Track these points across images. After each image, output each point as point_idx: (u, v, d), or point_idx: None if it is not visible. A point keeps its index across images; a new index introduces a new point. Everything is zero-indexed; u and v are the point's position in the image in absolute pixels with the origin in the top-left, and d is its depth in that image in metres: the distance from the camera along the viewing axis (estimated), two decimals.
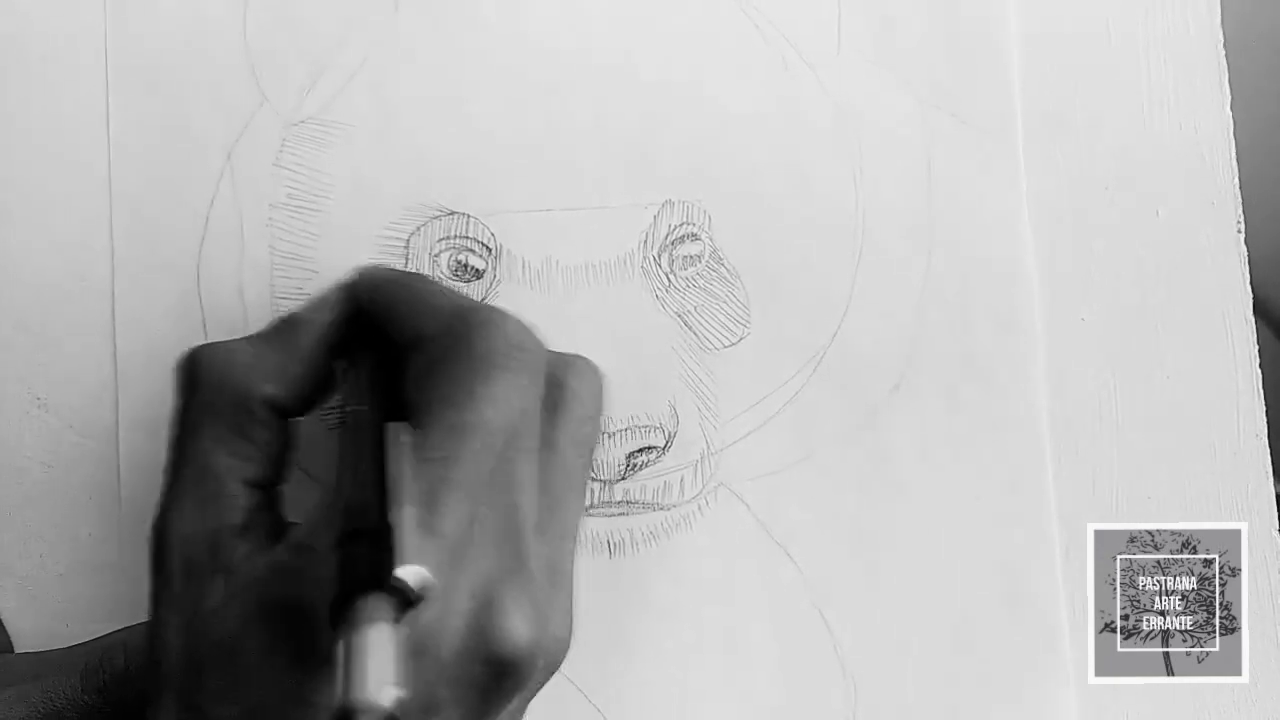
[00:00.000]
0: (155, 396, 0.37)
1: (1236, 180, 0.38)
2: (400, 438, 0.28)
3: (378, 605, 0.25)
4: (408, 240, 0.37)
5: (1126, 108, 0.39)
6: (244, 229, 0.37)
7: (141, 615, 0.35)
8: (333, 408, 0.34)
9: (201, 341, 0.37)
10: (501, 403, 0.29)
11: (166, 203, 0.37)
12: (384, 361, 0.32)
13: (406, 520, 0.26)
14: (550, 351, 0.31)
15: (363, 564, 0.25)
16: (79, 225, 0.37)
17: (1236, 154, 0.39)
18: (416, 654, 0.26)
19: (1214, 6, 0.39)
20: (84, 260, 0.37)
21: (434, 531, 0.27)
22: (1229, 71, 0.39)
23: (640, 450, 0.37)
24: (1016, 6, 0.39)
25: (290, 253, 0.37)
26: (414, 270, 0.37)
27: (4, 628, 0.37)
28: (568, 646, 0.30)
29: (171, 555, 0.30)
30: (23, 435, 0.37)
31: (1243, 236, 0.38)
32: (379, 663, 0.24)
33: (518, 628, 0.28)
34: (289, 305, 0.37)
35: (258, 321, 0.37)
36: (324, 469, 0.35)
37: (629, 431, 0.37)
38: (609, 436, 0.37)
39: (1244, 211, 0.38)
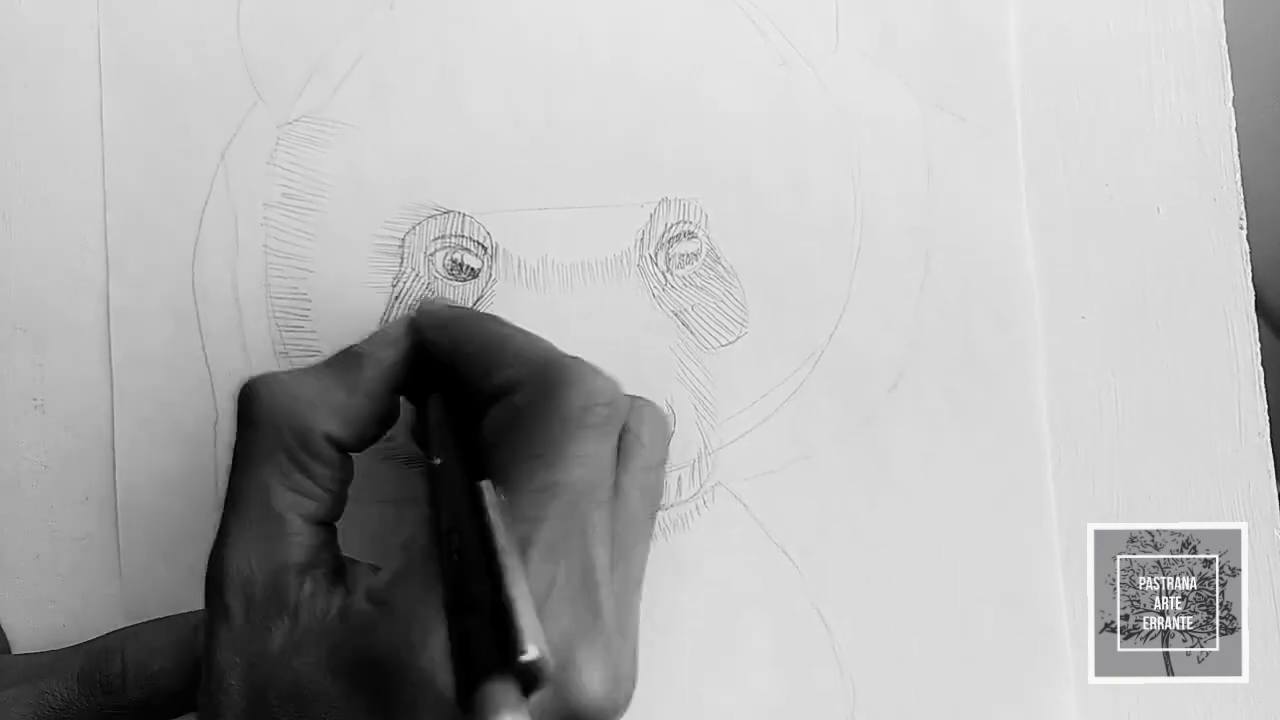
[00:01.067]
0: (151, 397, 0.37)
1: (1238, 177, 0.38)
2: (495, 496, 0.28)
3: (506, 689, 0.24)
4: (403, 239, 0.37)
5: (1127, 104, 0.38)
6: (238, 228, 0.37)
7: (139, 616, 0.35)
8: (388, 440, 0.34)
9: (197, 341, 0.37)
10: (589, 461, 0.29)
11: (161, 202, 0.37)
12: (457, 405, 0.32)
13: (524, 596, 0.25)
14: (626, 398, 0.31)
15: (484, 643, 0.25)
16: (74, 225, 0.37)
17: (1239, 150, 0.38)
18: None
19: (1216, 3, 0.39)
20: (79, 260, 0.37)
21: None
22: (1231, 67, 0.38)
23: None
24: (1016, 4, 0.39)
25: (285, 252, 0.37)
26: (408, 272, 0.37)
27: (2, 629, 0.37)
28: (632, 696, 0.30)
29: (232, 592, 0.29)
30: (19, 436, 0.37)
31: (1245, 234, 0.38)
32: None
33: (595, 686, 0.28)
34: (284, 304, 0.37)
35: (252, 320, 0.37)
36: (363, 491, 0.35)
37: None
38: None
39: (1246, 208, 0.38)
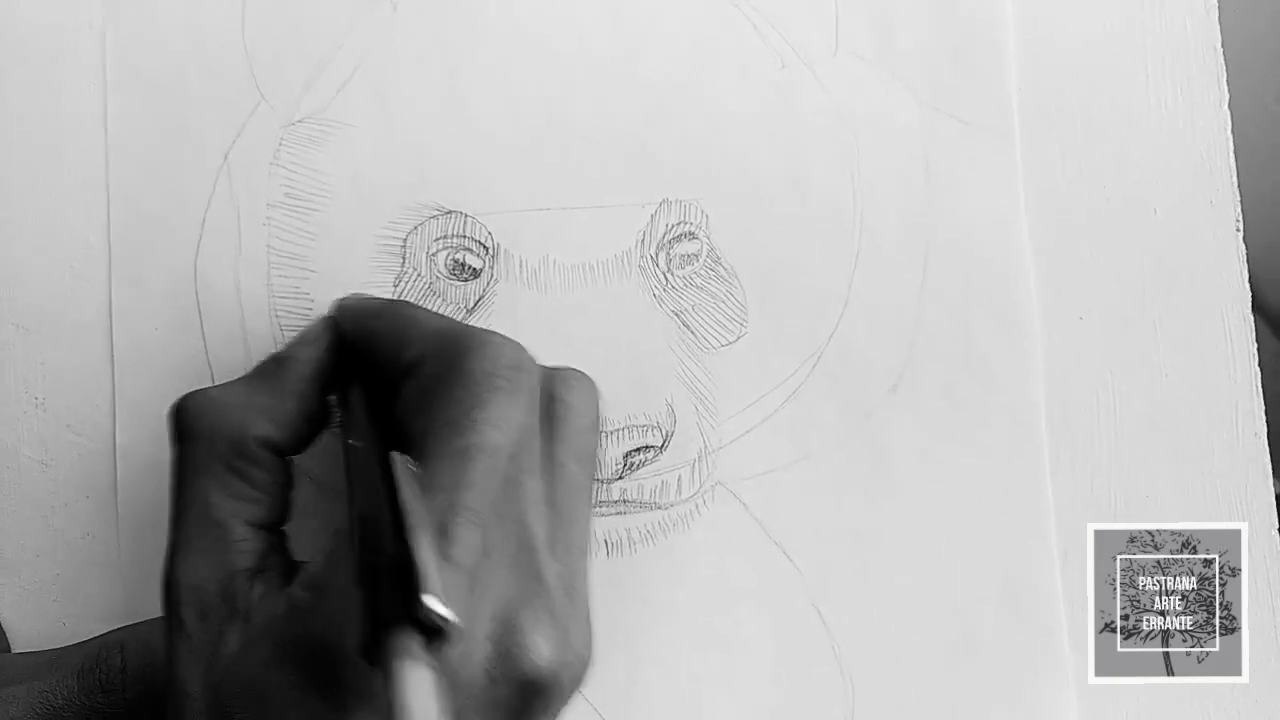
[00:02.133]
0: (152, 396, 0.37)
1: (1235, 179, 0.38)
2: (406, 467, 0.28)
3: (408, 640, 0.24)
4: (405, 239, 0.37)
5: (1124, 106, 0.39)
6: (241, 228, 0.37)
7: (139, 615, 0.35)
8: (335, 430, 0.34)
9: (199, 340, 0.37)
10: (502, 424, 0.29)
11: (164, 202, 0.37)
12: (376, 391, 0.32)
13: (425, 550, 0.26)
14: (542, 366, 0.31)
15: (387, 599, 0.25)
16: (76, 225, 0.37)
17: (1235, 152, 0.38)
18: (445, 681, 0.26)
19: (1211, 5, 0.39)
20: (81, 260, 0.37)
21: (449, 559, 0.27)
22: (1227, 70, 0.38)
23: (637, 449, 0.37)
24: (1014, 6, 0.39)
25: (287, 252, 0.37)
26: (409, 272, 0.37)
27: (1, 628, 0.37)
28: (590, 662, 0.30)
29: (185, 603, 0.30)
30: (20, 435, 0.37)
31: (1241, 235, 0.38)
32: (421, 699, 0.24)
33: (541, 648, 0.28)
34: (286, 304, 0.37)
35: (254, 320, 0.37)
36: (326, 472, 0.35)
37: (626, 431, 0.37)
38: (606, 435, 0.36)
39: (1242, 210, 0.38)
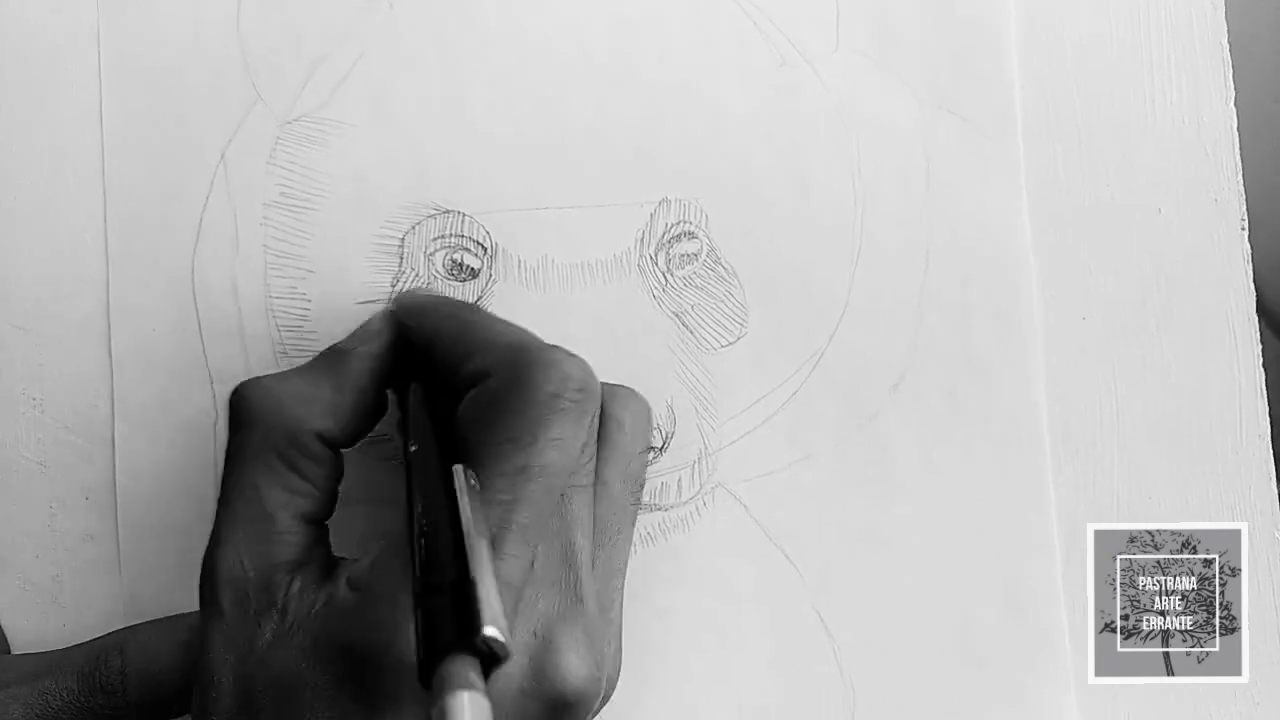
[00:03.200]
0: (150, 397, 0.37)
1: (1240, 177, 0.38)
2: (467, 481, 0.28)
3: (465, 666, 0.24)
4: (402, 239, 0.37)
5: (1128, 104, 0.38)
6: (238, 228, 0.37)
7: (139, 616, 0.35)
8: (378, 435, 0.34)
9: (196, 340, 0.37)
10: (565, 445, 0.29)
11: (161, 201, 0.37)
12: (433, 393, 0.32)
13: (487, 576, 0.26)
14: (600, 383, 0.31)
15: (446, 622, 0.25)
16: (73, 224, 0.37)
17: (1240, 151, 0.38)
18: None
19: (1217, 2, 0.38)
20: (79, 259, 0.37)
21: (499, 576, 0.27)
22: (1232, 67, 0.38)
23: None
24: (1016, 3, 0.38)
25: (284, 251, 0.37)
26: (407, 272, 0.37)
27: (1, 629, 0.37)
28: (616, 682, 0.30)
29: (224, 591, 0.30)
30: (18, 436, 0.37)
31: (1246, 234, 0.38)
32: None
33: (576, 668, 0.28)
34: (284, 304, 0.37)
35: (252, 320, 0.37)
36: (355, 487, 0.35)
37: None
38: None
39: (1247, 209, 0.38)
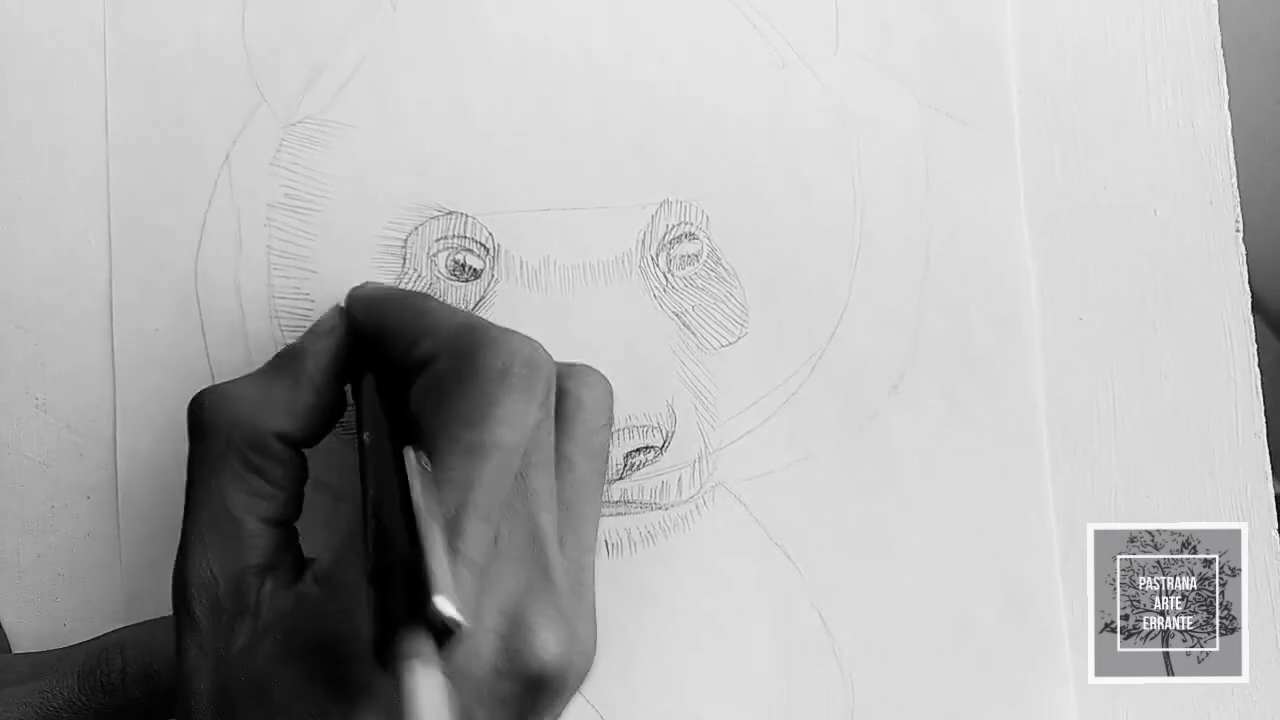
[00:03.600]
0: (153, 396, 0.37)
1: (1235, 179, 0.38)
2: (419, 463, 0.28)
3: (418, 639, 0.25)
4: (405, 240, 0.37)
5: (1124, 107, 0.39)
6: (241, 229, 0.37)
7: (139, 615, 0.35)
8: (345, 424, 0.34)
9: (199, 341, 0.37)
10: (516, 420, 0.29)
11: (164, 203, 0.37)
12: (387, 382, 0.32)
13: (437, 550, 0.26)
14: (556, 362, 0.31)
15: (398, 599, 0.25)
16: (77, 225, 0.37)
17: (1235, 153, 0.38)
18: (452, 676, 0.26)
19: (1211, 6, 0.39)
20: (82, 260, 0.37)
21: (460, 556, 0.27)
22: (1227, 70, 0.38)
23: (638, 450, 0.37)
24: (1014, 6, 0.39)
25: (288, 252, 0.37)
26: (410, 273, 0.37)
27: (1, 628, 0.37)
28: (593, 658, 0.30)
29: (196, 598, 0.30)
30: (21, 435, 0.37)
31: (1241, 236, 0.38)
32: (432, 701, 0.24)
33: (548, 644, 0.28)
34: (287, 304, 0.37)
35: (255, 320, 0.37)
36: (326, 472, 0.35)
37: (626, 431, 0.37)
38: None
39: (1242, 210, 0.38)
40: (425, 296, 0.35)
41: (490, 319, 0.37)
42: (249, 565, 0.30)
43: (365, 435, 0.31)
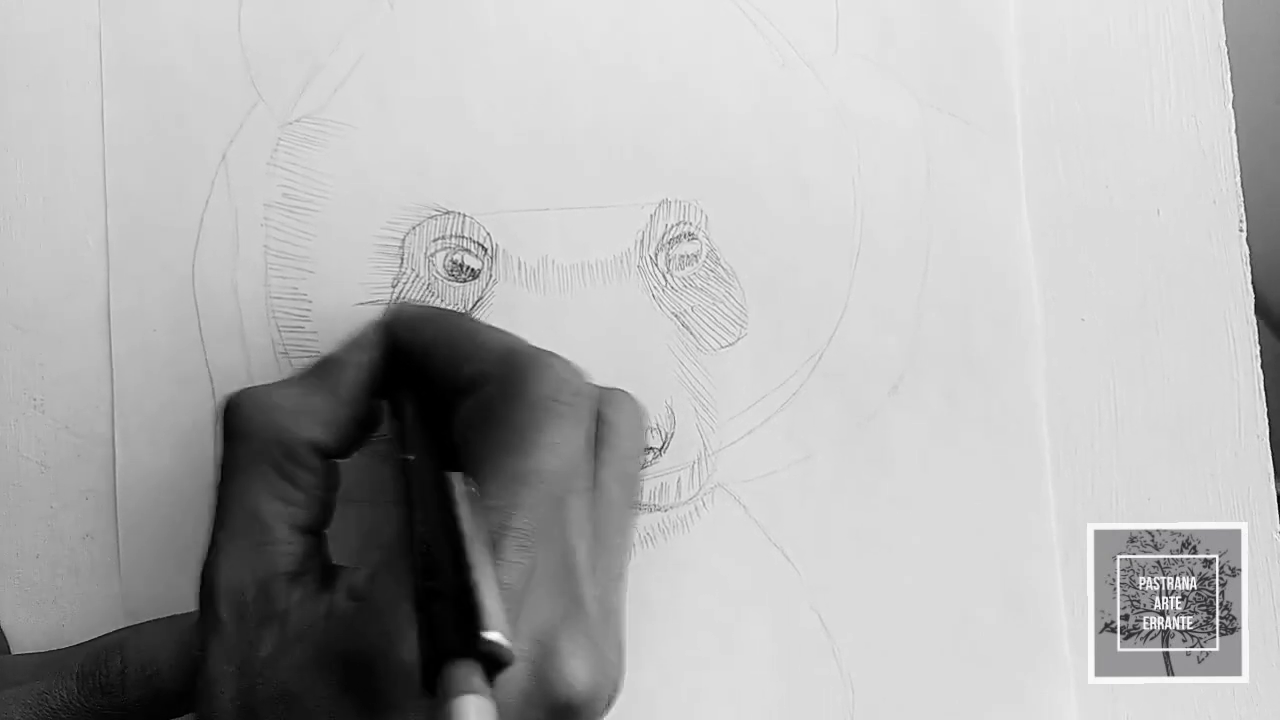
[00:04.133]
0: (151, 397, 0.37)
1: (1238, 179, 0.38)
2: (464, 488, 0.28)
3: (468, 672, 0.24)
4: (403, 239, 0.37)
5: (1127, 106, 0.39)
6: (239, 228, 0.37)
7: (138, 616, 0.35)
8: (376, 438, 0.34)
9: (197, 341, 0.37)
10: (562, 449, 0.29)
11: (161, 202, 0.37)
12: (427, 402, 0.32)
13: (488, 581, 0.26)
14: (595, 386, 0.31)
15: (448, 627, 0.25)
16: (74, 225, 0.37)
17: (1238, 153, 0.38)
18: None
19: (1215, 4, 0.39)
20: (79, 260, 0.37)
21: (499, 583, 0.27)
22: (1231, 70, 0.38)
23: None
24: (1016, 6, 0.39)
25: (285, 252, 0.37)
26: (408, 273, 0.37)
27: (1, 629, 0.37)
28: (621, 685, 0.30)
29: (222, 602, 0.30)
30: (19, 436, 0.37)
31: (1244, 236, 0.38)
32: None
33: (579, 674, 0.28)
34: (284, 304, 0.37)
35: (252, 320, 0.37)
36: (354, 488, 0.35)
37: None
38: None
39: (1246, 211, 0.38)
40: (470, 318, 0.35)
41: (488, 319, 0.37)
42: (278, 572, 0.30)
43: (409, 456, 0.31)
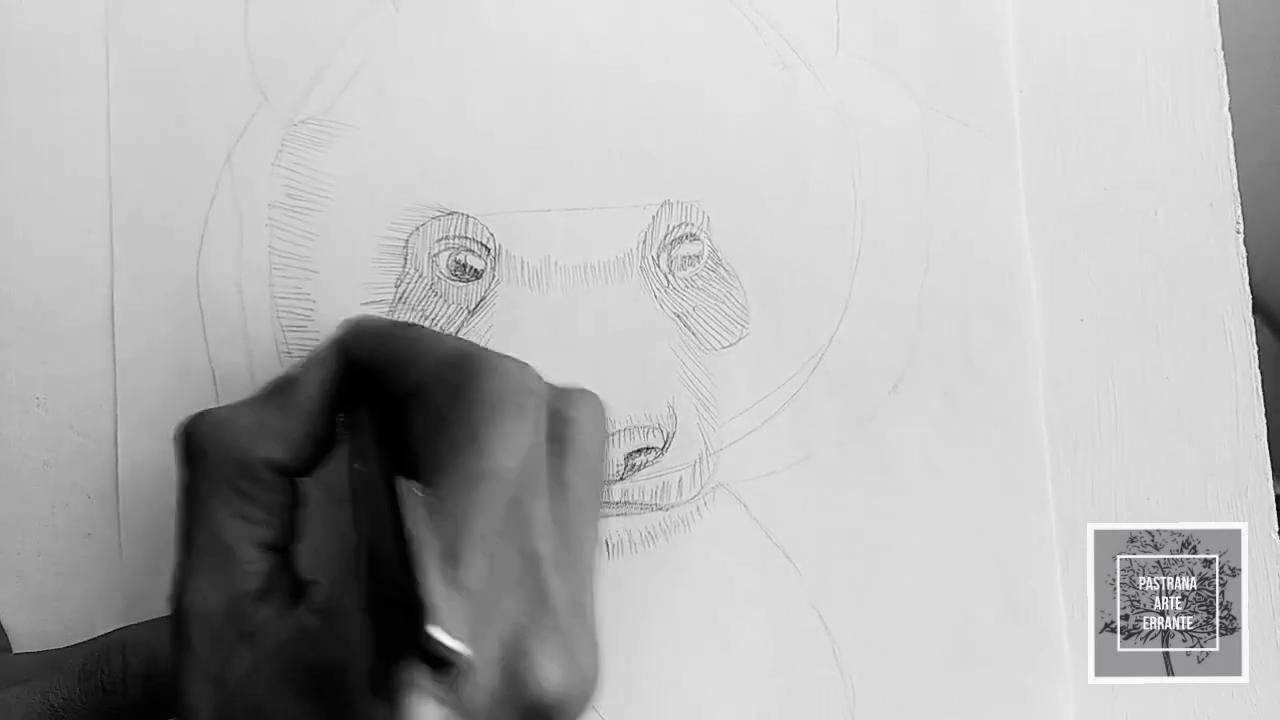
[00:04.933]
0: (154, 396, 0.37)
1: (1235, 181, 0.38)
2: (413, 493, 0.28)
3: (416, 672, 0.25)
4: (406, 240, 0.37)
5: (1125, 108, 0.39)
6: (243, 229, 0.37)
7: (140, 615, 0.35)
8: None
9: (200, 341, 0.37)
10: (510, 446, 0.29)
11: (166, 203, 0.37)
12: (383, 413, 0.32)
13: (432, 581, 0.26)
14: (549, 385, 0.31)
15: (396, 631, 0.25)
16: (79, 225, 0.37)
17: (1235, 154, 0.38)
18: (454, 708, 0.26)
19: (1212, 8, 0.39)
20: (83, 259, 0.37)
21: (458, 585, 0.27)
22: (1227, 72, 0.39)
23: (639, 450, 0.37)
24: (1015, 7, 0.39)
25: (289, 252, 0.37)
26: (411, 273, 0.37)
27: (2, 628, 0.37)
28: (597, 682, 0.30)
29: (194, 626, 0.29)
30: (22, 434, 0.37)
31: (1242, 237, 0.38)
32: None
33: (550, 672, 0.28)
34: (288, 305, 0.37)
35: (256, 320, 0.37)
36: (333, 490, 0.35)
37: (627, 432, 0.37)
38: (607, 439, 0.36)
39: (1243, 212, 0.38)
40: (416, 326, 0.35)
41: (491, 320, 0.37)
42: (245, 591, 0.30)
43: (355, 465, 0.31)
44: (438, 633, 0.25)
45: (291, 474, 0.32)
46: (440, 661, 0.25)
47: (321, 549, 0.34)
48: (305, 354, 0.34)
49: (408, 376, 0.31)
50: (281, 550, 0.31)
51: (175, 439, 0.31)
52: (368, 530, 0.28)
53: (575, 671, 0.29)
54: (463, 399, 0.30)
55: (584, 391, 0.32)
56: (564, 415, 0.31)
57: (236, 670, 0.29)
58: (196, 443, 0.31)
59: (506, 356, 0.31)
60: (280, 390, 0.32)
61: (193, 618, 0.30)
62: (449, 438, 0.29)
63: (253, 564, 0.30)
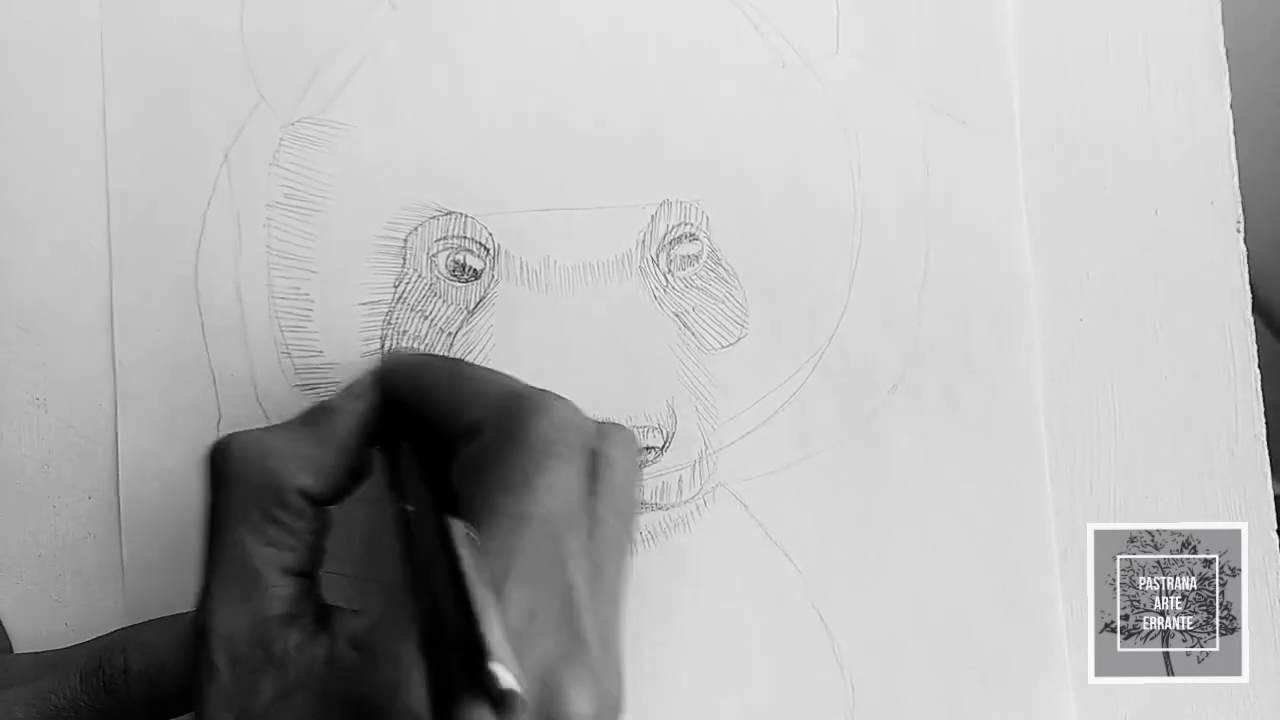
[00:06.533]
0: (154, 397, 0.37)
1: (1236, 180, 0.38)
2: (465, 534, 0.28)
3: (477, 710, 0.25)
4: (405, 240, 0.37)
5: (1125, 107, 0.39)
6: (241, 229, 0.37)
7: (141, 616, 0.35)
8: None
9: (199, 341, 0.37)
10: (560, 489, 0.29)
11: (164, 203, 0.37)
12: (426, 450, 0.32)
13: (493, 621, 0.26)
14: (591, 421, 0.31)
15: (454, 670, 0.25)
16: (77, 225, 0.37)
17: (1236, 153, 0.38)
18: None
19: (1214, 6, 0.39)
20: (82, 260, 0.37)
21: (503, 625, 0.27)
22: (1229, 70, 0.38)
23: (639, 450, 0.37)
24: (1015, 6, 0.39)
25: (287, 252, 0.37)
26: (410, 273, 0.37)
27: (3, 628, 0.37)
28: (621, 711, 0.30)
29: (218, 650, 0.29)
30: (21, 435, 0.37)
31: (1242, 236, 0.38)
32: None
33: (582, 710, 0.28)
34: (286, 304, 0.37)
35: (255, 320, 0.37)
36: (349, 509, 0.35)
37: None
38: None
39: (1243, 211, 0.38)
40: (465, 363, 0.35)
41: (491, 320, 0.37)
42: (272, 616, 0.30)
43: (408, 507, 0.30)
44: (500, 670, 0.25)
45: (322, 503, 0.32)
46: (500, 700, 0.25)
47: (351, 576, 0.34)
48: (344, 384, 0.34)
49: (460, 416, 0.31)
50: (308, 575, 0.31)
51: (205, 459, 0.31)
52: (419, 571, 0.28)
53: (604, 705, 0.29)
54: (515, 441, 0.30)
55: (619, 428, 0.32)
56: (600, 452, 0.31)
57: (262, 696, 0.28)
58: (229, 464, 0.31)
59: (554, 395, 0.31)
60: (317, 419, 0.33)
61: (216, 638, 0.29)
62: (499, 479, 0.29)
63: (280, 589, 0.30)
